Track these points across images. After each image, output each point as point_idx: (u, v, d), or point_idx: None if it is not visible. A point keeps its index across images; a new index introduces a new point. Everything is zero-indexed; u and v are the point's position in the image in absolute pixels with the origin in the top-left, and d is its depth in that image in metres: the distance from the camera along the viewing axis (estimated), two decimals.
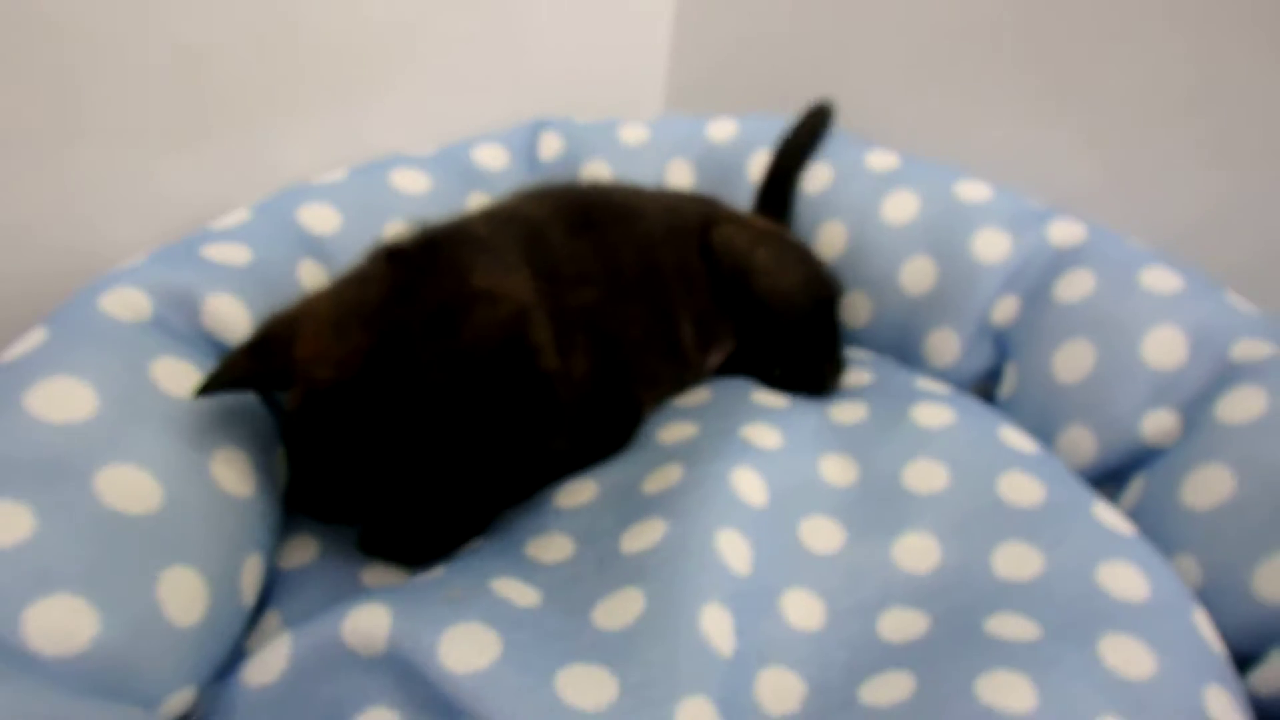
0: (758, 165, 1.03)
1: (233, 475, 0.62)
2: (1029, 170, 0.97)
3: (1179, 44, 0.86)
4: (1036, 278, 0.84)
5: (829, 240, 0.97)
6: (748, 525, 0.64)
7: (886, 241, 0.93)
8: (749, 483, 0.67)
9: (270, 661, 0.53)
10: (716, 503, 0.64)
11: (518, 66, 1.12)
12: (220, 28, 0.84)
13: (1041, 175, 0.96)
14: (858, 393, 0.83)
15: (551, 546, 0.63)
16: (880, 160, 0.98)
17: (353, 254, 0.79)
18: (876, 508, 0.69)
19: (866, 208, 0.95)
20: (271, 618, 0.63)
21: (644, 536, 0.61)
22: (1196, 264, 0.80)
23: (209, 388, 0.60)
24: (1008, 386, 0.84)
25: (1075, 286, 0.80)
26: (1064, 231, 0.84)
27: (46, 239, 0.79)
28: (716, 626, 0.55)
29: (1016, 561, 0.62)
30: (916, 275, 0.90)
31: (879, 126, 1.05)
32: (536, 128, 1.07)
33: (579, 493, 0.69)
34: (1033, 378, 0.80)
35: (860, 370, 0.87)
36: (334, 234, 0.82)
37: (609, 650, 0.53)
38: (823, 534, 0.68)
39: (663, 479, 0.68)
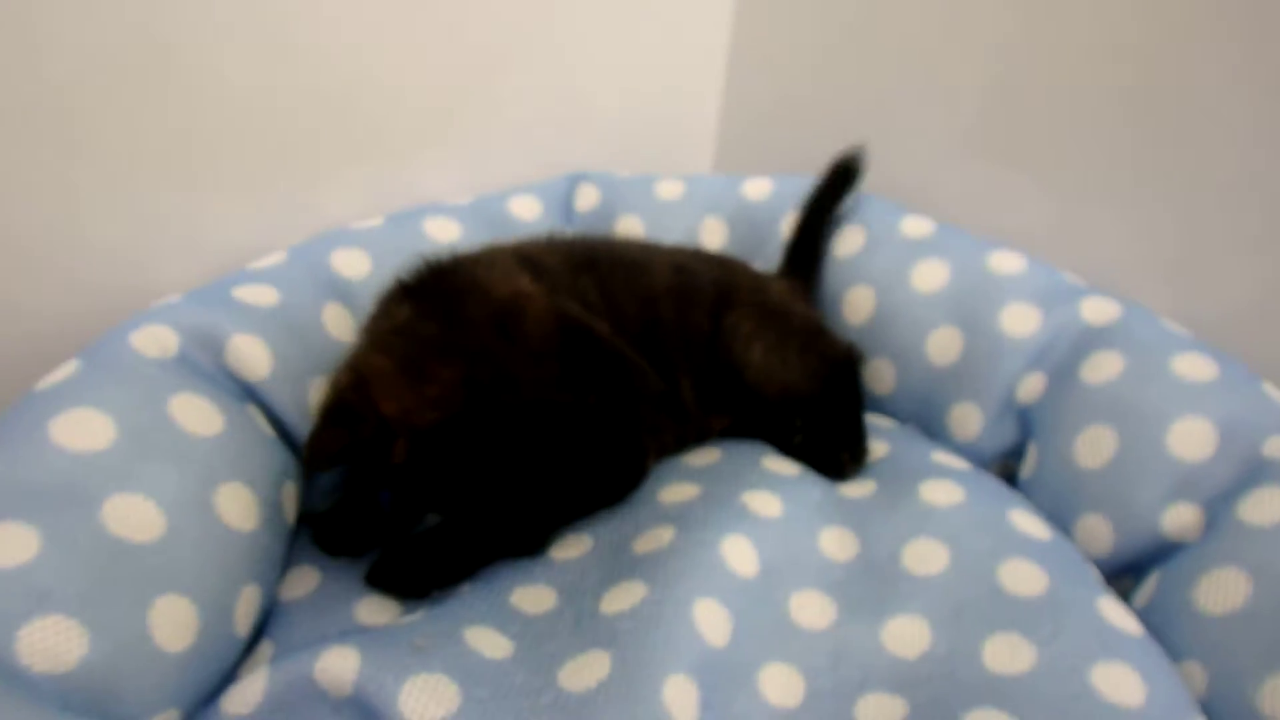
0: (791, 224, 1.05)
1: (237, 509, 0.65)
2: (1070, 248, 0.96)
3: (1231, 125, 0.85)
4: (1065, 356, 0.84)
5: (856, 305, 0.98)
6: (731, 595, 0.65)
7: (914, 310, 0.93)
8: (740, 552, 0.68)
9: (248, 693, 0.56)
10: (700, 571, 0.65)
11: (565, 123, 1.17)
12: (276, 77, 0.91)
13: (1082, 254, 0.95)
14: (869, 466, 0.83)
15: (536, 597, 0.65)
16: (914, 227, 0.98)
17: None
18: (872, 586, 0.69)
19: (896, 274, 0.96)
20: (266, 647, 0.66)
21: (623, 598, 0.63)
22: (1239, 353, 0.78)
23: (315, 468, 0.68)
24: (1029, 467, 0.83)
25: (1103, 368, 0.79)
26: (1097, 309, 0.84)
27: (97, 278, 0.86)
28: (680, 698, 0.56)
29: (1007, 654, 0.61)
30: (942, 346, 0.90)
31: (922, 196, 1.06)
32: (575, 180, 1.11)
33: (572, 546, 0.71)
34: (1053, 460, 0.79)
35: (877, 441, 0.87)
36: (362, 279, 0.87)
37: (568, 713, 0.54)
38: (813, 609, 0.68)
39: (654, 540, 0.69)
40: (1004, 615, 0.64)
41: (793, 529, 0.73)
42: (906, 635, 0.65)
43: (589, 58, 1.16)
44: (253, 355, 0.73)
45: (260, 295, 0.78)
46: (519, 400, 0.65)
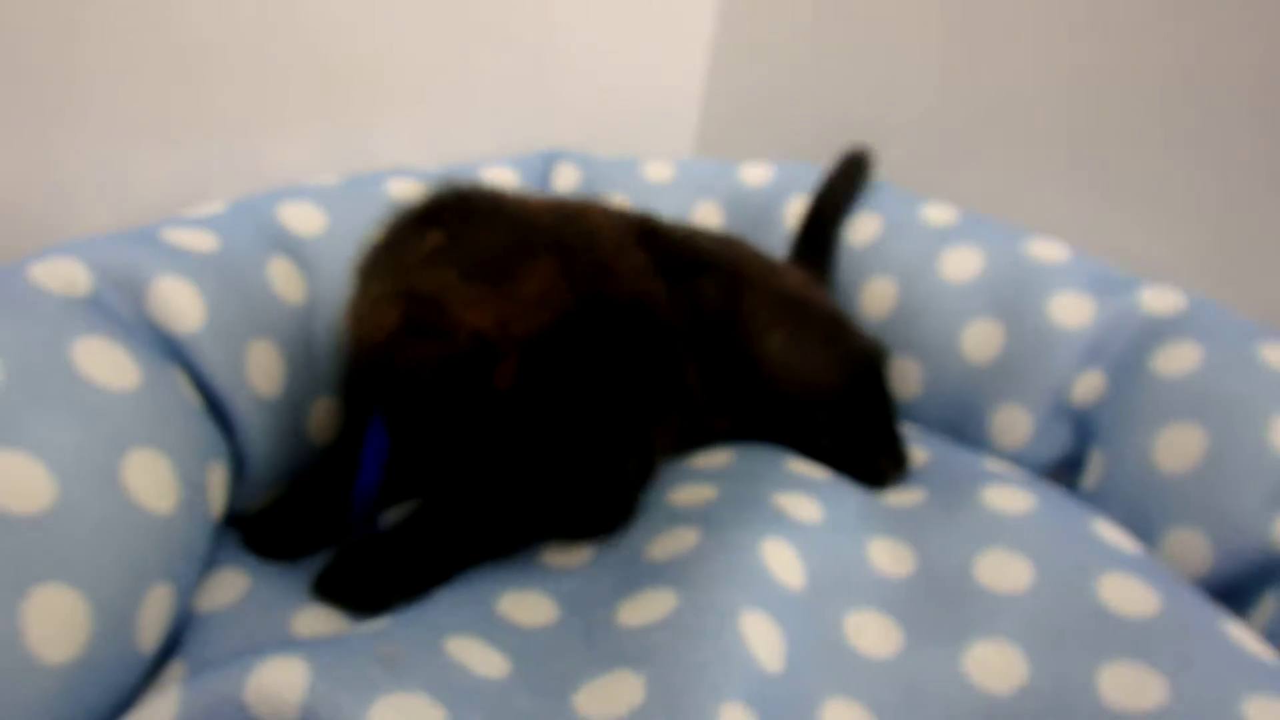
0: (794, 212, 0.96)
1: (150, 484, 0.51)
2: (1088, 247, 0.89)
3: (1263, 119, 0.79)
4: (1126, 349, 0.75)
5: (875, 299, 0.89)
6: (781, 609, 0.53)
7: (944, 301, 0.84)
8: (783, 558, 0.57)
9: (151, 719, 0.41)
10: (741, 576, 0.53)
11: (543, 100, 1.09)
12: (228, 25, 0.80)
13: (1101, 253, 0.87)
14: (911, 474, 0.73)
15: (530, 606, 0.53)
16: (938, 214, 0.90)
17: (337, 258, 0.72)
18: (941, 607, 0.58)
19: (921, 263, 0.87)
20: (176, 668, 0.52)
21: (647, 608, 0.51)
22: None
23: (408, 394, 0.53)
24: (1092, 477, 0.73)
25: (1178, 359, 0.71)
26: (1159, 299, 0.76)
27: (20, 213, 0.73)
28: None
29: (1131, 686, 0.51)
30: (980, 340, 0.81)
31: (921, 189, 0.98)
32: (551, 158, 1.02)
33: (570, 554, 0.59)
34: (1127, 467, 0.70)
35: (914, 445, 0.77)
36: (315, 235, 0.74)
37: None
38: (873, 633, 0.57)
39: (673, 544, 0.57)
40: (1115, 640, 0.54)
41: (837, 538, 0.62)
42: (995, 665, 0.54)
43: (569, 36, 1.09)
44: (180, 303, 0.59)
45: (194, 240, 0.64)
46: (626, 293, 0.54)
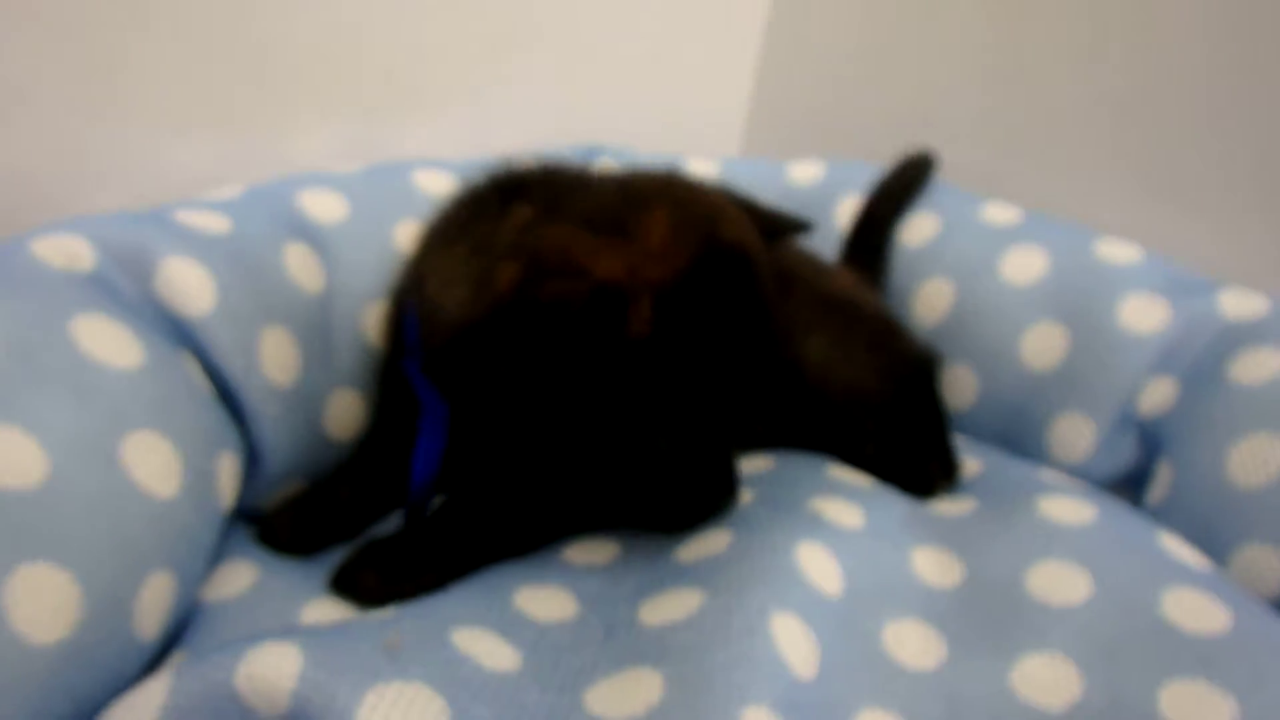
0: (846, 212, 0.93)
1: (151, 465, 0.50)
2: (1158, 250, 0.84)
3: None
4: (1201, 356, 0.71)
5: (930, 301, 0.85)
6: (815, 614, 0.50)
7: (1004, 304, 0.80)
8: (819, 562, 0.54)
9: (139, 707, 0.40)
10: (774, 578, 0.51)
11: (582, 97, 1.08)
12: (261, 17, 0.81)
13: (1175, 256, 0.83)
14: (962, 484, 0.69)
15: (548, 602, 0.50)
16: (999, 213, 0.86)
17: (359, 247, 0.71)
18: (989, 618, 0.55)
19: (980, 264, 0.83)
20: (179, 658, 0.51)
21: (671, 607, 0.48)
22: None
23: (546, 340, 0.49)
24: (1159, 491, 0.69)
25: (1258, 367, 0.66)
26: (1239, 303, 0.71)
27: (48, 200, 0.75)
28: None
29: (1195, 706, 0.47)
30: (1041, 346, 0.77)
31: (979, 189, 0.95)
32: (590, 152, 1.00)
33: (594, 550, 0.56)
34: (1197, 480, 0.65)
35: (965, 455, 0.73)
36: (338, 223, 0.73)
37: None
38: (915, 643, 0.53)
39: (703, 545, 0.55)
40: (1179, 657, 0.50)
41: (879, 545, 0.59)
42: (1045, 679, 0.50)
43: (613, 32, 1.07)
44: (190, 284, 0.58)
45: (207, 222, 0.64)
46: (740, 244, 0.53)
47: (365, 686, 0.38)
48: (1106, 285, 0.76)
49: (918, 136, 0.94)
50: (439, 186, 0.80)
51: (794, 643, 0.47)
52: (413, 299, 0.59)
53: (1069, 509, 0.62)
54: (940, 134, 0.97)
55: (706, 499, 0.56)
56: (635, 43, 1.10)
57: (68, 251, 0.56)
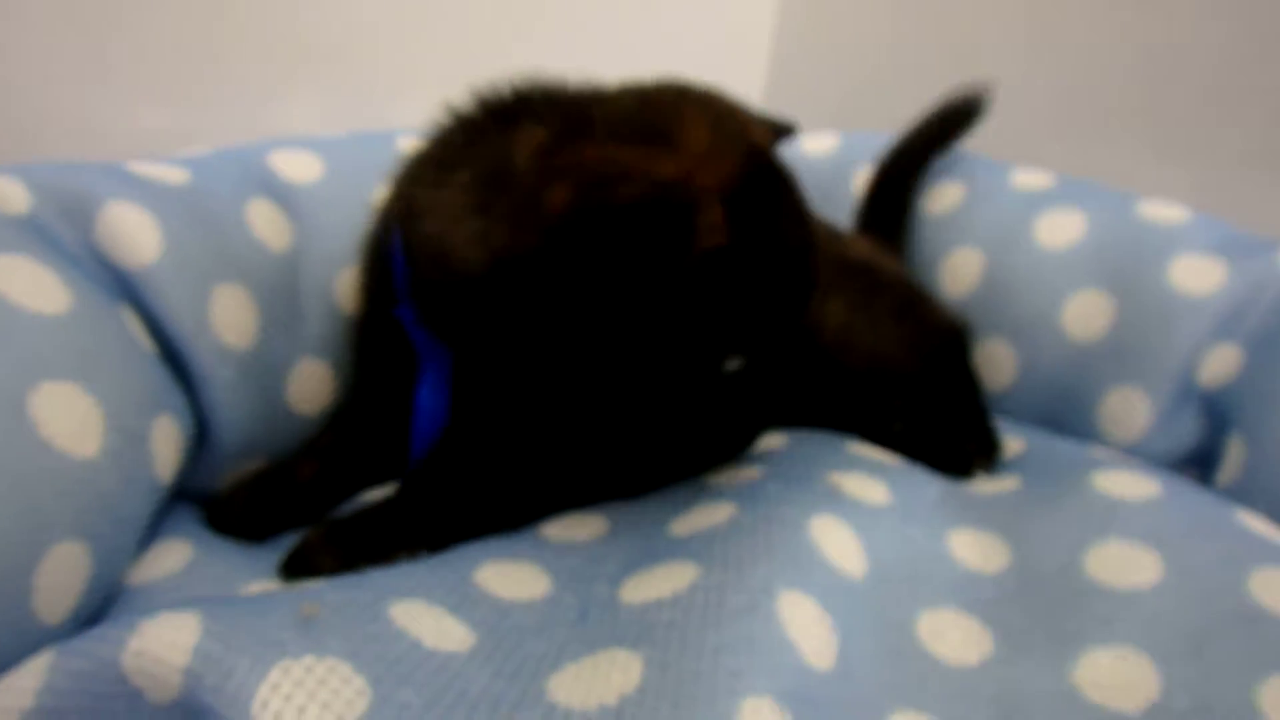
0: (862, 183, 0.86)
1: (65, 421, 0.44)
2: None
3: None
4: (1266, 320, 0.63)
5: (958, 272, 0.78)
6: (833, 596, 0.42)
7: (1041, 272, 0.73)
8: (837, 539, 0.46)
9: (10, 692, 0.33)
10: (783, 552, 0.43)
11: (590, 68, 1.01)
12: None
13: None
14: (1002, 464, 0.61)
15: (516, 578, 0.43)
16: (1030, 179, 0.79)
17: (333, 209, 0.65)
18: (1043, 606, 0.47)
19: (1012, 230, 0.76)
20: None
21: (657, 584, 0.40)
22: None
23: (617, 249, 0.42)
24: (1230, 470, 0.61)
25: None
26: None
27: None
28: None
29: None
30: (1085, 314, 0.70)
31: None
32: None
33: (576, 525, 0.49)
34: (1277, 456, 0.57)
35: (1005, 436, 0.65)
36: (311, 183, 0.66)
37: None
38: (955, 635, 0.45)
39: (701, 519, 0.47)
40: (1277, 647, 0.41)
41: (909, 526, 0.51)
42: (1116, 677, 0.42)
43: (624, 11, 1.01)
44: (133, 231, 0.52)
45: (163, 173, 0.57)
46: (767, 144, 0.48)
47: (270, 662, 0.31)
48: (1153, 247, 0.69)
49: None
50: None
51: (806, 626, 0.39)
52: (401, 241, 0.51)
53: (1129, 483, 0.54)
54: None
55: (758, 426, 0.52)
56: (648, 23, 1.04)
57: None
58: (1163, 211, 0.71)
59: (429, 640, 0.35)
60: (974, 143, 0.85)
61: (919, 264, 0.81)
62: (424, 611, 0.37)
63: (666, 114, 0.47)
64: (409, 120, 0.87)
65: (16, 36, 0.68)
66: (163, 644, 0.31)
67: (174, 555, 0.48)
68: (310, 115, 0.84)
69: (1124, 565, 0.47)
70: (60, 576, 0.42)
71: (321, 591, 0.37)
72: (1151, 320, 0.66)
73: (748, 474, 0.54)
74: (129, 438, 0.47)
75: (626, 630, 0.37)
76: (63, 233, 0.51)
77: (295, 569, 0.49)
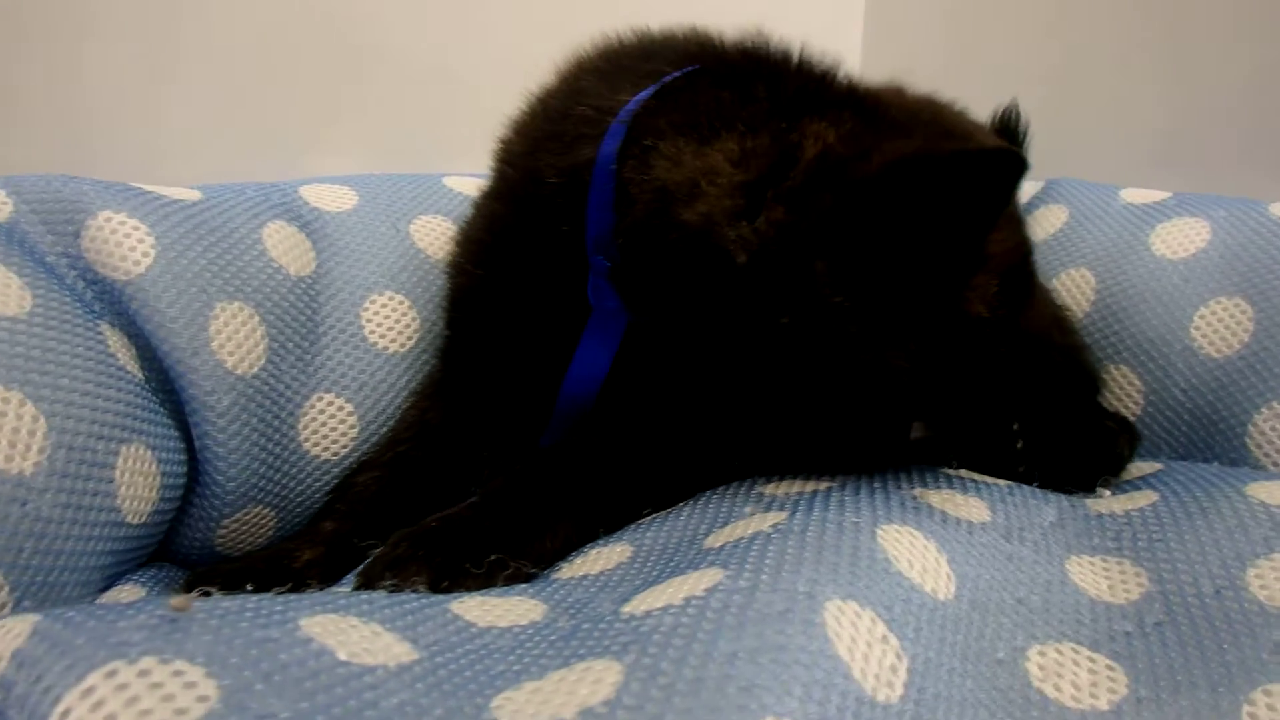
0: None
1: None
2: None
3: None
4: None
5: (1068, 295, 0.68)
6: (905, 615, 0.32)
7: (1163, 284, 0.63)
8: (919, 552, 0.37)
9: None
10: (840, 556, 0.33)
11: None
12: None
13: None
14: (1137, 479, 0.50)
15: (505, 608, 0.34)
16: (1140, 195, 0.70)
17: (366, 236, 0.62)
18: (1194, 639, 0.35)
19: (1126, 245, 0.66)
20: None
21: (672, 592, 0.31)
22: None
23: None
24: None
25: None
26: None
27: None
28: None
29: None
30: (1220, 326, 0.59)
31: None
32: None
33: (595, 560, 0.40)
34: None
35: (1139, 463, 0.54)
36: (343, 210, 0.62)
37: None
38: (1077, 676, 0.34)
39: (742, 528, 0.38)
40: None
41: (1015, 544, 0.41)
42: None
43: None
44: (123, 241, 0.48)
45: (174, 191, 0.54)
46: None
47: (94, 666, 0.23)
48: None
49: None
50: (469, 187, 0.70)
51: (863, 645, 0.29)
52: (614, 188, 0.46)
53: None
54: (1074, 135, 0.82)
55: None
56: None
57: None
58: None
59: (345, 652, 0.27)
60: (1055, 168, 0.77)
61: None
62: (353, 625, 0.29)
63: (951, 116, 0.51)
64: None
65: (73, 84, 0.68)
66: None
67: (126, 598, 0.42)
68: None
69: None
70: None
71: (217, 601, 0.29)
72: None
73: (813, 485, 0.45)
74: (80, 460, 0.41)
75: (616, 640, 0.28)
76: (41, 240, 0.48)
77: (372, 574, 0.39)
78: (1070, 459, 0.50)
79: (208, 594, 0.34)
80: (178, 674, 0.23)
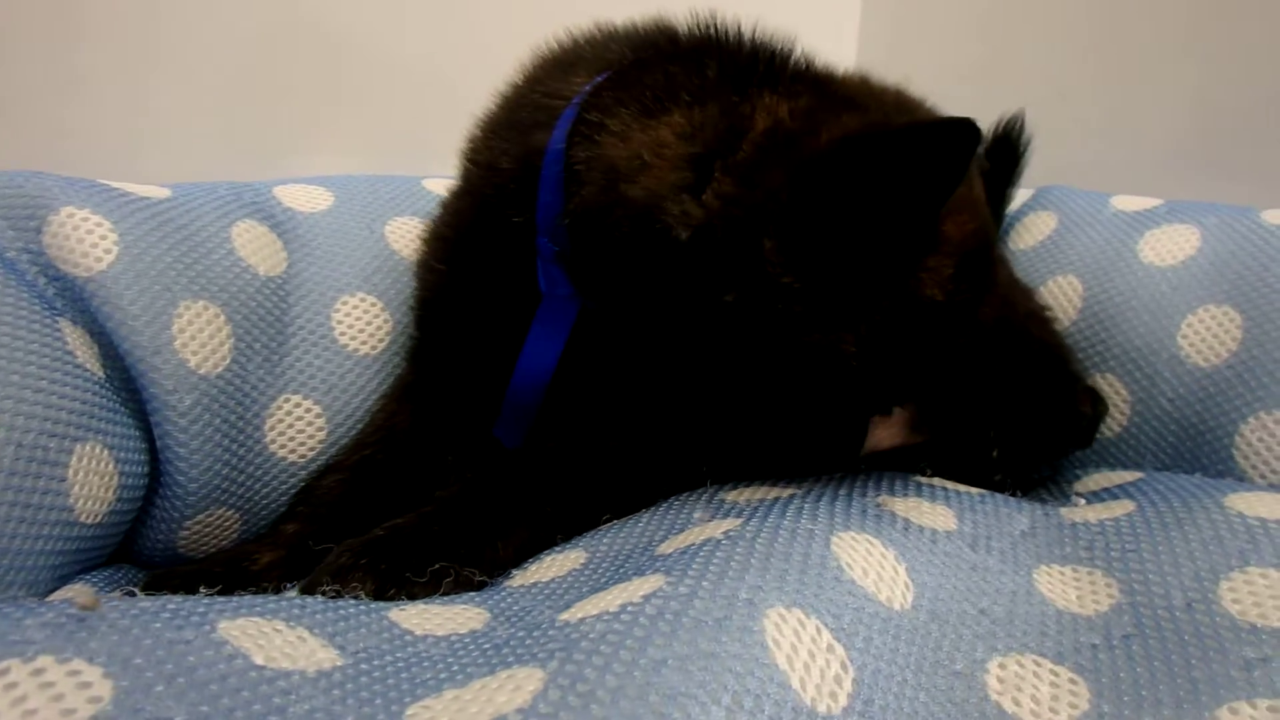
0: None
1: None
2: None
3: None
4: None
5: (1054, 303, 0.67)
6: (855, 625, 0.31)
7: (1151, 292, 0.61)
8: (876, 561, 0.35)
9: None
10: (787, 563, 0.32)
11: None
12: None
13: None
14: (1115, 488, 0.49)
15: (447, 615, 0.33)
16: (1129, 202, 0.69)
17: (339, 237, 0.61)
18: (1163, 654, 0.34)
19: (1114, 252, 0.65)
20: None
21: (610, 599, 0.30)
22: None
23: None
24: None
25: None
26: None
27: None
28: None
29: None
30: (1208, 335, 0.57)
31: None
32: None
33: (549, 566, 0.39)
34: None
35: (1123, 470, 0.53)
36: (316, 211, 0.62)
37: None
38: (1038, 690, 0.33)
39: (695, 534, 0.37)
40: None
41: (979, 554, 0.40)
42: None
43: None
44: (85, 236, 0.48)
45: (142, 189, 0.54)
46: None
47: None
48: None
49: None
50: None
51: (804, 655, 0.28)
52: (562, 168, 0.45)
53: (1272, 504, 0.41)
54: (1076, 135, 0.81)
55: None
56: None
57: None
58: None
59: (261, 656, 0.26)
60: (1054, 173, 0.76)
61: None
62: (278, 630, 0.28)
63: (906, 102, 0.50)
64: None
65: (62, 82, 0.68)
66: None
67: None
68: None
69: (1272, 597, 0.34)
70: None
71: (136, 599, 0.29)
72: None
73: (775, 491, 0.44)
74: (29, 458, 0.41)
75: (544, 648, 0.27)
76: (1, 235, 0.47)
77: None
78: (1036, 434, 0.49)
79: (131, 593, 0.34)
80: (73, 674, 0.22)
